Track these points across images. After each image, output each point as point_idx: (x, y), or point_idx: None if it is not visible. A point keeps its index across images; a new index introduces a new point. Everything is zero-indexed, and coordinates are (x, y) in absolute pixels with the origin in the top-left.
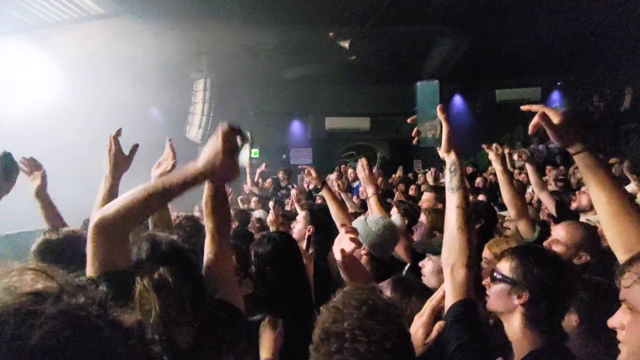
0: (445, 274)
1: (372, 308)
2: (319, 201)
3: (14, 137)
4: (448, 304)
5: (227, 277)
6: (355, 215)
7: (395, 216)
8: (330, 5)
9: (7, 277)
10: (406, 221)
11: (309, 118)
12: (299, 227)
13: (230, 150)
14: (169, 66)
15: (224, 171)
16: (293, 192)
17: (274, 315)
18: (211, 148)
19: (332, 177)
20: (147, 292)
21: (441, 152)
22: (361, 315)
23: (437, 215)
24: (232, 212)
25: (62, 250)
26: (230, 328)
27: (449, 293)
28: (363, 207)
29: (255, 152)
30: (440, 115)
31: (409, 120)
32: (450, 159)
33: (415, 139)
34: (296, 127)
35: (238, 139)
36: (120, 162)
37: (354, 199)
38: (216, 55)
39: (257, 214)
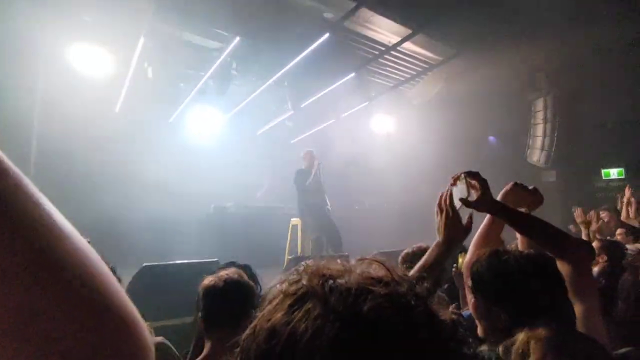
0: None
1: None
2: None
3: (382, 174)
4: None
5: (585, 313)
6: None
7: None
8: None
9: (363, 265)
10: None
11: None
12: None
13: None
14: (505, 92)
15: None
16: None
17: None
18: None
19: None
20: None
21: None
22: None
23: None
24: (595, 244)
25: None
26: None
27: None
28: None
29: (620, 172)
30: None
31: None
32: None
33: None
34: None
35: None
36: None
37: None
38: (555, 69)
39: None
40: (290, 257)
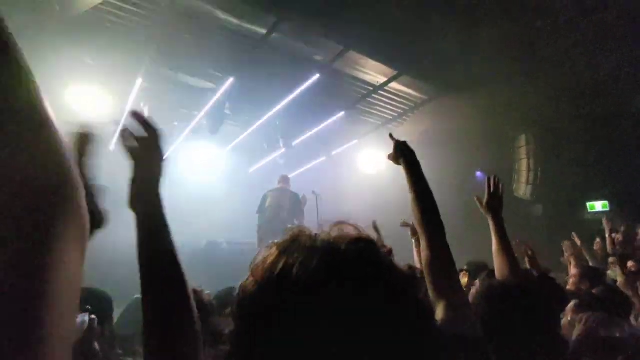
0: None
1: None
2: None
3: (369, 211)
4: None
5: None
6: None
7: None
8: None
9: (340, 225)
10: None
11: None
12: None
13: None
14: (487, 129)
15: None
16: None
17: None
18: None
19: None
20: None
21: None
22: None
23: None
24: (578, 269)
25: None
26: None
27: None
28: None
29: (604, 205)
30: None
31: None
32: None
33: None
34: None
35: None
36: None
37: None
38: (531, 106)
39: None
40: None
